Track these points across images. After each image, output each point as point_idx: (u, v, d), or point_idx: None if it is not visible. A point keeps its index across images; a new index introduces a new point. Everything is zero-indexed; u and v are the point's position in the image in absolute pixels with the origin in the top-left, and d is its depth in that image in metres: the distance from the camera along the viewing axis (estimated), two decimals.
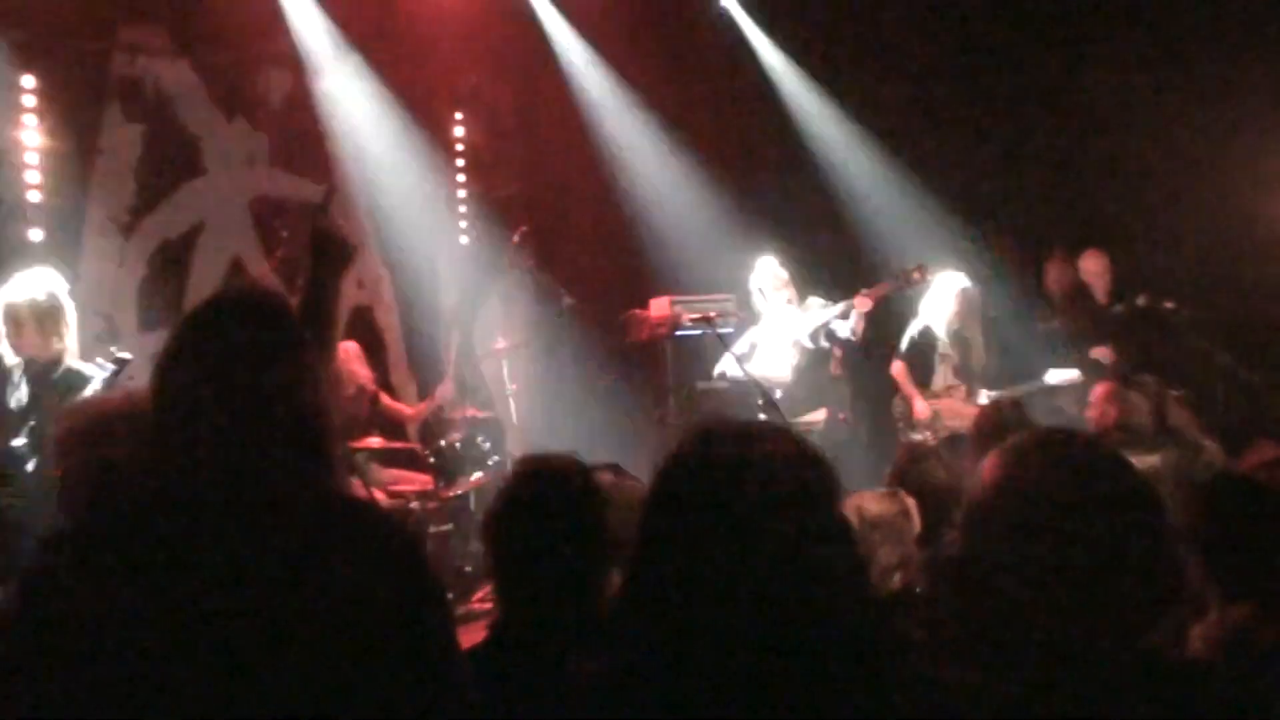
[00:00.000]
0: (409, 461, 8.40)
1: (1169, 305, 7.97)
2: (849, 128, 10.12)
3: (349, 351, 8.12)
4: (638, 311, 9.59)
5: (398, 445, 8.37)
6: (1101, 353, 8.24)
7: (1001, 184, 9.69)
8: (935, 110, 9.77)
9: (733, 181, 9.96)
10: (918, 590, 3.54)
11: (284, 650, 1.81)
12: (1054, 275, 9.09)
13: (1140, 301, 8.08)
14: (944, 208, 9.42)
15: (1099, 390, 6.17)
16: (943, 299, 8.05)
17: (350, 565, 1.87)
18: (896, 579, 3.61)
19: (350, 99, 9.27)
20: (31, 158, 7.86)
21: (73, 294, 8.06)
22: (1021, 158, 9.76)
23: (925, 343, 8.06)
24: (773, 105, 10.32)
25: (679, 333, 9.21)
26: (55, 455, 2.70)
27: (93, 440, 2.61)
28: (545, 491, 2.76)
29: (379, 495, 7.47)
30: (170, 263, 8.64)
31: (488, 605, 6.32)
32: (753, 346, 8.34)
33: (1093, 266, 8.83)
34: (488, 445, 8.42)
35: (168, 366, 1.98)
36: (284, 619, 1.82)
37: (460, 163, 10.24)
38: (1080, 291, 8.88)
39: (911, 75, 9.85)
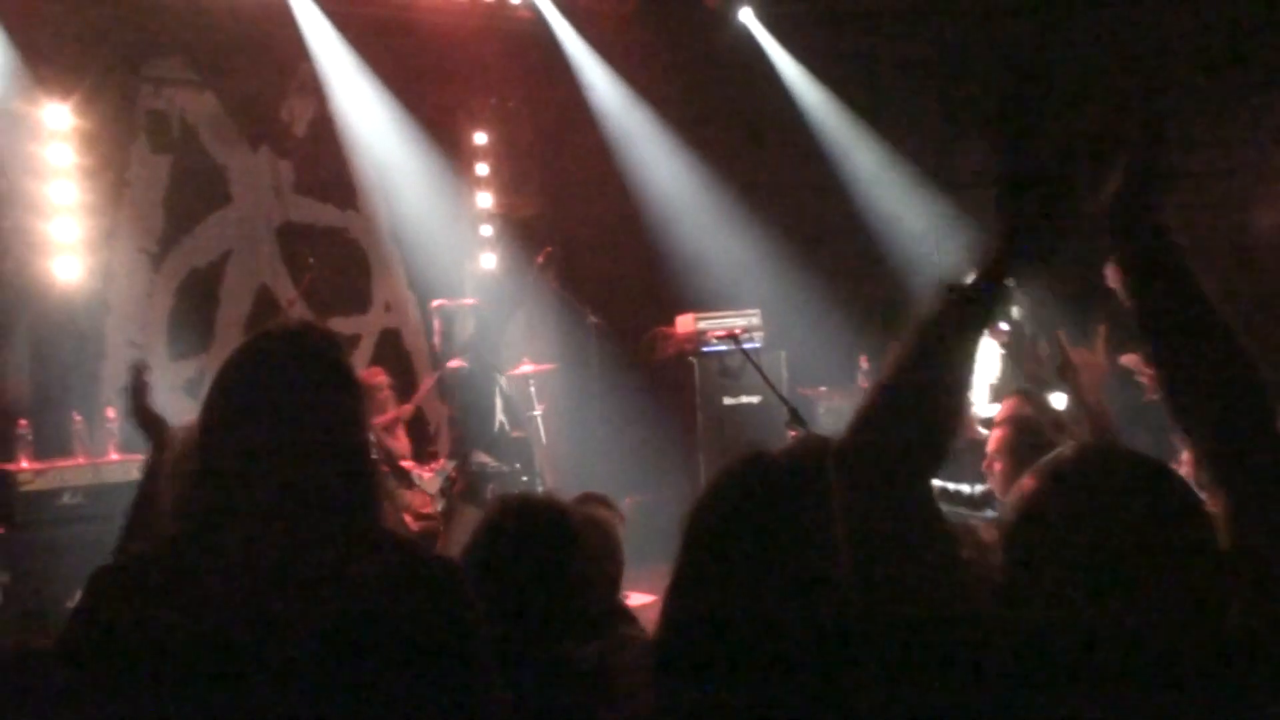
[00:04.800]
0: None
1: None
2: (872, 140, 10.13)
3: (379, 377, 8.22)
4: (664, 329, 9.61)
5: (429, 468, 8.39)
6: (1130, 360, 8.18)
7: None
8: (958, 120, 9.77)
9: (757, 198, 9.97)
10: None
11: (326, 685, 1.83)
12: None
13: None
14: (970, 220, 9.41)
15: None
16: None
17: (394, 603, 1.88)
18: None
19: (373, 124, 9.34)
20: (61, 189, 7.94)
21: (104, 324, 8.24)
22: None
23: None
24: (794, 120, 10.33)
25: (705, 349, 9.23)
26: (170, 481, 2.71)
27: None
28: (516, 531, 2.76)
29: (408, 519, 7.51)
30: (199, 292, 8.71)
31: None
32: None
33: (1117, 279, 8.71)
34: (517, 465, 8.43)
35: (217, 401, 1.99)
36: (328, 654, 1.84)
37: (483, 184, 10.29)
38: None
39: (933, 86, 9.85)
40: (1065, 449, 1.75)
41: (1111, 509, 1.60)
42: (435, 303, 8.03)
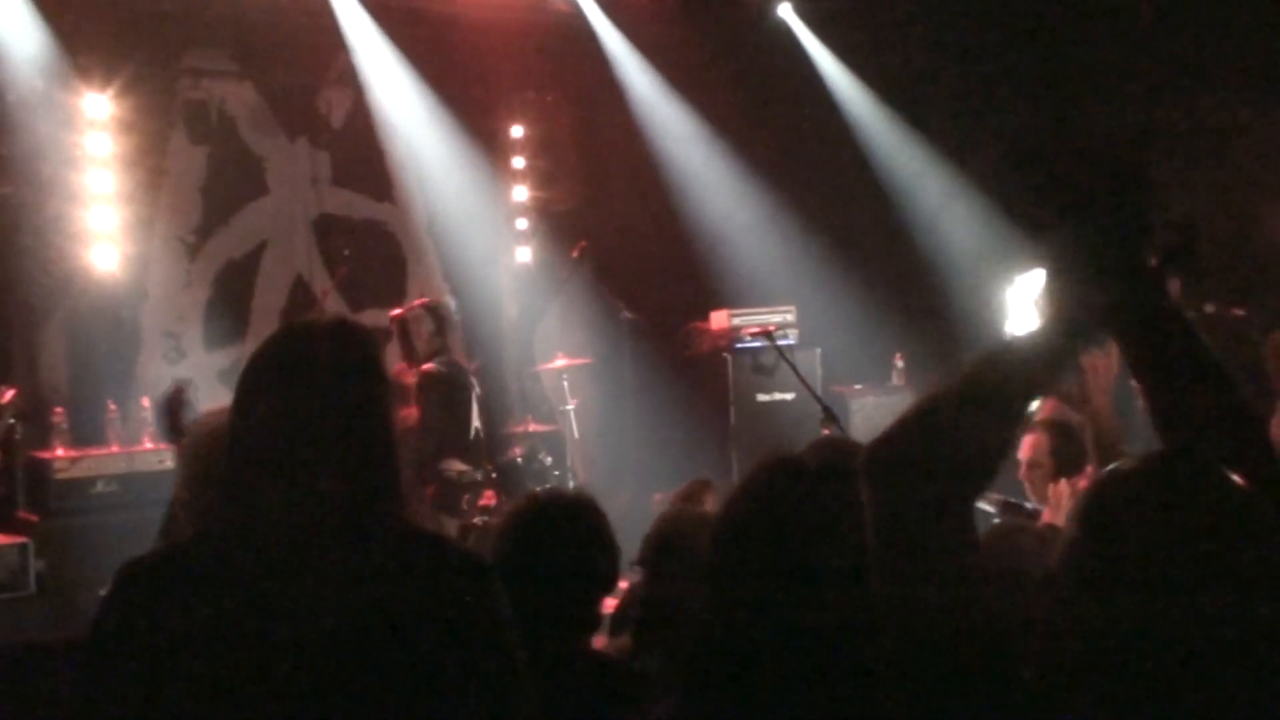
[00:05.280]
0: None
1: (1239, 312, 7.81)
2: (911, 137, 10.06)
3: None
4: (698, 325, 9.59)
5: (461, 467, 8.39)
6: None
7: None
8: (997, 117, 9.68)
9: (792, 193, 9.93)
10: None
11: (353, 679, 1.82)
12: None
13: (1209, 309, 7.92)
14: (1007, 216, 9.33)
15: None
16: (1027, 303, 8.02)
17: (422, 598, 1.88)
18: None
19: (410, 116, 9.35)
20: (100, 178, 7.98)
21: (140, 313, 8.29)
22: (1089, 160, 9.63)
23: None
24: (832, 116, 10.27)
25: (739, 346, 9.20)
26: (179, 471, 2.70)
27: (206, 456, 2.61)
28: (545, 527, 2.75)
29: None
30: (235, 282, 8.75)
31: None
32: None
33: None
34: (549, 460, 8.43)
35: (245, 395, 1.99)
36: (354, 648, 1.83)
37: (519, 177, 10.29)
38: None
39: (972, 81, 9.77)
40: (1129, 460, 1.71)
41: (1183, 524, 1.55)
42: (393, 312, 7.75)
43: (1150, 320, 1.73)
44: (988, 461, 1.65)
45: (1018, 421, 1.69)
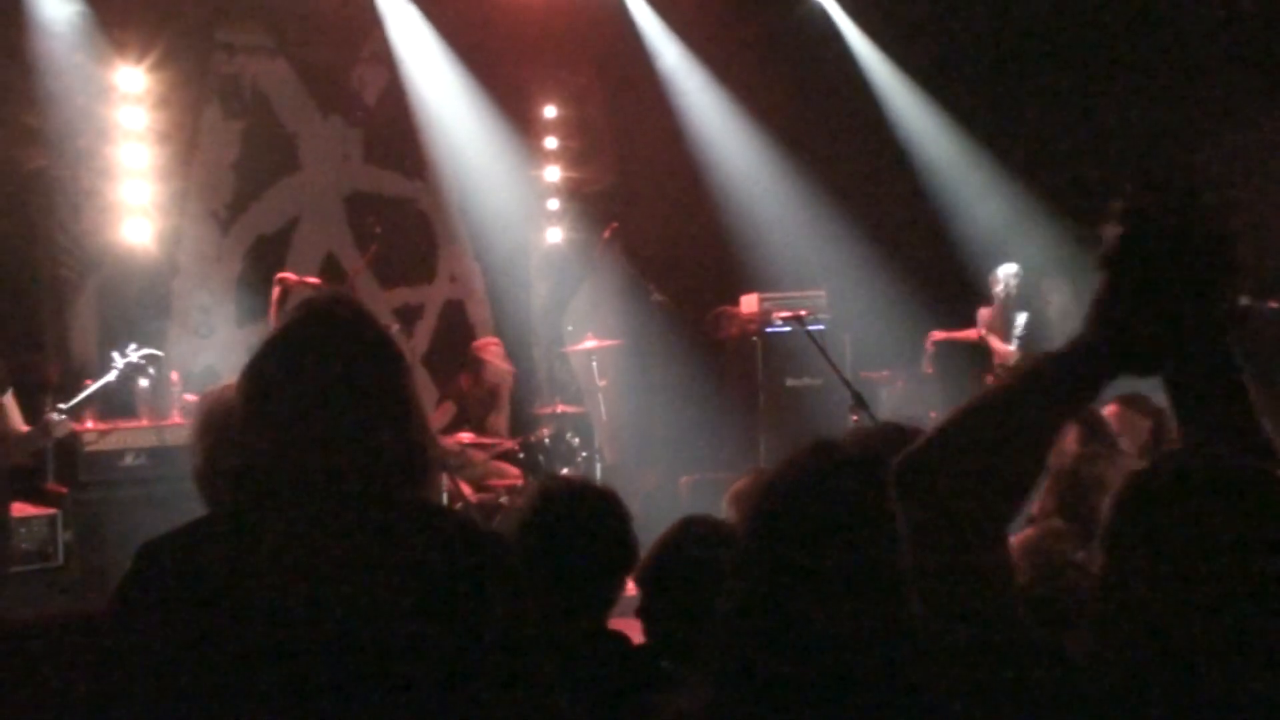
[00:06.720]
0: (499, 456, 8.43)
1: (1274, 305, 7.73)
2: (943, 122, 9.99)
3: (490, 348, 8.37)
4: (728, 308, 9.56)
5: (488, 440, 8.41)
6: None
7: (1102, 178, 9.49)
8: (1034, 103, 9.60)
9: (825, 177, 9.88)
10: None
11: (372, 656, 1.82)
12: None
13: (1244, 302, 7.83)
14: (1043, 203, 9.26)
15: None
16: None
17: (441, 576, 1.87)
18: None
19: (443, 94, 9.34)
20: (134, 153, 8.00)
21: (171, 287, 8.32)
22: (1122, 151, 9.55)
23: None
24: (865, 99, 10.21)
25: (769, 329, 9.17)
26: (198, 444, 2.67)
27: (214, 431, 2.58)
28: (563, 509, 2.75)
29: (467, 490, 7.52)
30: (267, 258, 8.76)
31: None
32: None
33: None
34: (577, 441, 8.43)
35: (263, 373, 1.97)
36: (372, 626, 1.83)
37: (551, 158, 10.27)
38: None
39: (1007, 67, 9.69)
40: (1162, 458, 1.67)
41: (1217, 526, 1.52)
42: (279, 275, 7.52)
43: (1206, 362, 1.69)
44: (1022, 479, 1.61)
45: (1051, 440, 1.64)
